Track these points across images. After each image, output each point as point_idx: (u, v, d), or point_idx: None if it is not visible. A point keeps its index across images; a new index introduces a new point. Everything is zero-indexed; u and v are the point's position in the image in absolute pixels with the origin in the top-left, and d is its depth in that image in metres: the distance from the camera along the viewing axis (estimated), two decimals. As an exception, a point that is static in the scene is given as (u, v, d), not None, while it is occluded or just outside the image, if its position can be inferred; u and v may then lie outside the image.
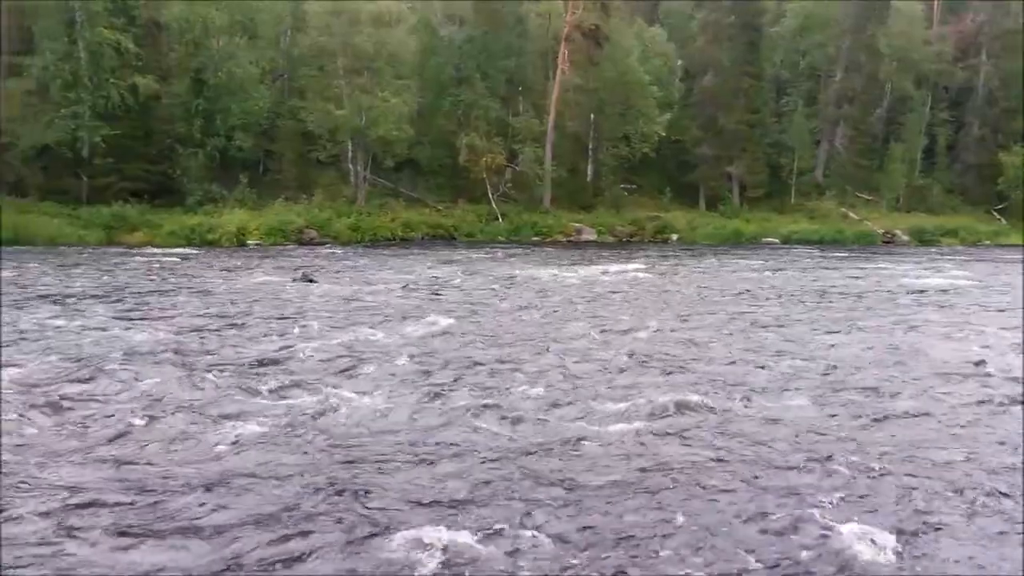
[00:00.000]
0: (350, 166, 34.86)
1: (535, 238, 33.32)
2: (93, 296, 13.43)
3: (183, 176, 31.36)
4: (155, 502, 4.62)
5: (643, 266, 21.42)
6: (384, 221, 32.26)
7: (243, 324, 10.85)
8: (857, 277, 19.26)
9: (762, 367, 8.62)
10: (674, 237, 35.62)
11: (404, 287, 15.74)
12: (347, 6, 32.79)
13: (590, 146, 38.56)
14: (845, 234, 36.62)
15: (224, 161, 32.22)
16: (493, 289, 15.71)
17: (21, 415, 6.22)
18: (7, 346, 8.79)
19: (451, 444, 5.83)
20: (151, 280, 16.32)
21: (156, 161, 31.71)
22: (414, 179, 36.53)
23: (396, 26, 33.91)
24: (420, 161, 36.42)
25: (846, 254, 28.50)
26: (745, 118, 39.69)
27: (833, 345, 10.04)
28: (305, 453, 5.60)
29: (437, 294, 14.78)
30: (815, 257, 26.67)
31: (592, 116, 37.80)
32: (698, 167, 40.36)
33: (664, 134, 38.09)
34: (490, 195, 35.00)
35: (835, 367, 8.62)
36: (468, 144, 34.52)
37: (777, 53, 44.85)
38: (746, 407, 6.97)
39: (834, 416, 6.75)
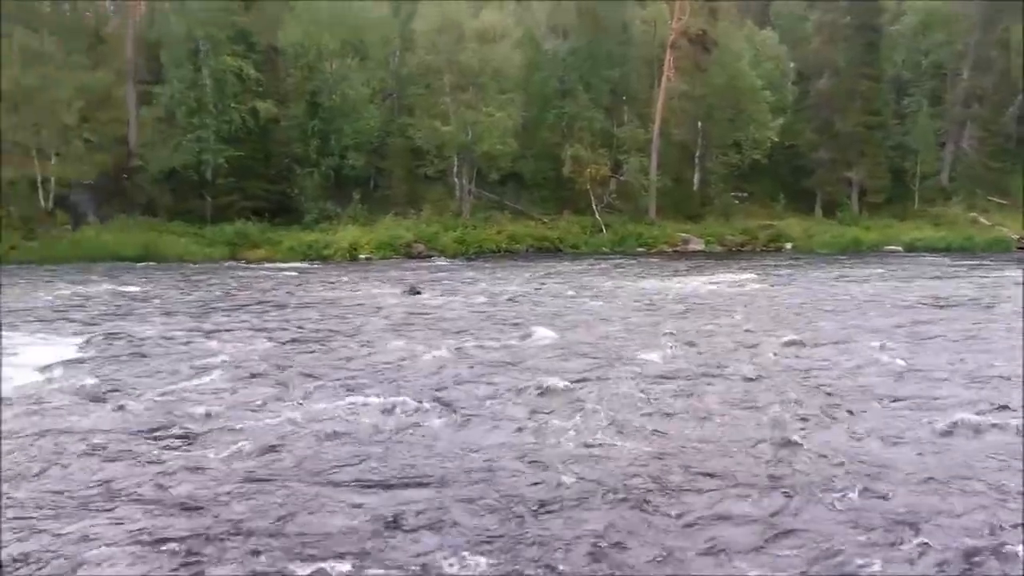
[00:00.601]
0: (456, 180, 35.40)
1: (640, 249, 32.73)
2: (218, 308, 14.07)
3: (300, 195, 32.73)
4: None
5: (757, 276, 20.61)
6: (489, 234, 32.53)
7: (355, 334, 11.05)
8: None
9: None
10: (788, 246, 34.20)
11: (509, 299, 15.72)
12: (453, 24, 33.42)
13: (697, 154, 37.66)
14: (975, 241, 34.05)
15: (338, 179, 33.37)
16: (598, 300, 15.45)
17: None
18: (152, 346, 9.27)
19: (577, 454, 5.65)
20: (271, 293, 16.99)
21: (275, 181, 33.25)
22: (518, 192, 36.70)
23: (500, 41, 34.27)
24: (524, 174, 36.55)
25: (977, 262, 26.52)
26: (863, 120, 37.73)
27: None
28: (436, 458, 5.55)
29: (541, 305, 14.66)
30: (944, 266, 24.92)
31: (699, 123, 36.94)
32: (814, 172, 38.68)
33: (777, 139, 36.76)
34: (594, 206, 34.70)
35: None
36: (572, 155, 34.39)
37: (897, 52, 42.45)
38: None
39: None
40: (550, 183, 36.78)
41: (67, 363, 8.82)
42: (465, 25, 33.55)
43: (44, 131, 29.72)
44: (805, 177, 39.01)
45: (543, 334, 10.96)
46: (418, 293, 16.60)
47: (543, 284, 18.90)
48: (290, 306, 14.58)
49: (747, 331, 11.36)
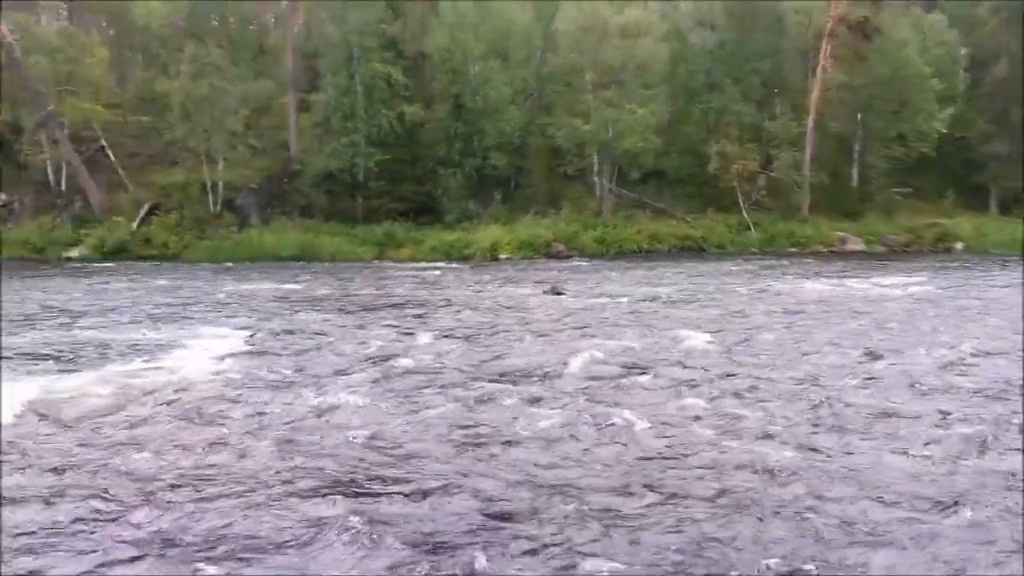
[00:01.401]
0: (596, 179, 35.04)
1: (792, 249, 31.07)
2: (366, 305, 14.52)
3: (443, 195, 33.51)
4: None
5: (925, 278, 18.99)
6: (630, 233, 31.95)
7: (497, 333, 11.03)
8: None
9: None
10: (958, 246, 31.42)
11: (652, 300, 15.26)
12: (596, 21, 33.11)
13: (856, 148, 35.34)
14: None
15: (480, 179, 33.88)
16: (747, 302, 14.69)
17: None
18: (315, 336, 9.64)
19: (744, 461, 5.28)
20: (414, 292, 17.39)
21: (421, 182, 34.26)
22: (661, 190, 35.84)
23: (644, 37, 33.60)
24: (667, 171, 35.67)
25: None
26: (1045, 108, 34.16)
27: None
28: (613, 464, 5.35)
29: (685, 306, 14.12)
30: None
31: (859, 115, 34.63)
32: (987, 166, 35.44)
33: (946, 131, 33.87)
34: (741, 204, 33.34)
35: None
36: (719, 151, 33.19)
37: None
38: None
39: None
40: (694, 180, 35.70)
41: (238, 354, 9.32)
42: (608, 22, 33.16)
43: (213, 138, 31.97)
44: (977, 171, 35.89)
45: (694, 337, 10.49)
46: (560, 294, 16.44)
47: (689, 285, 18.26)
48: (434, 305, 14.82)
49: (947, 342, 10.38)
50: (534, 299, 15.65)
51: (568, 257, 29.36)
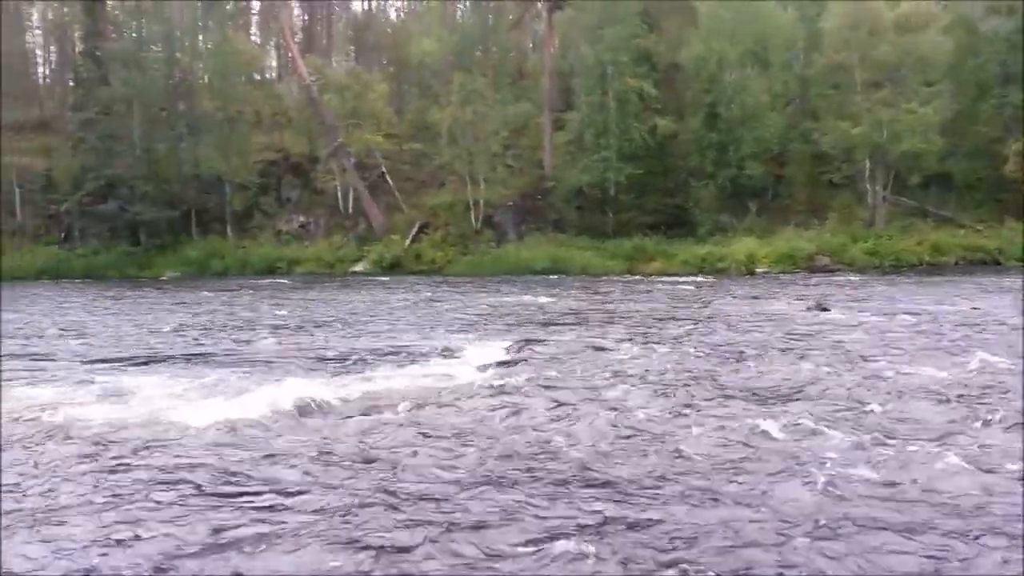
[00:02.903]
0: (867, 186, 32.15)
1: (1120, 263, 26.20)
2: (620, 318, 14.50)
3: (695, 207, 32.75)
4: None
5: None
6: (908, 245, 28.91)
7: (758, 351, 10.41)
8: None
9: None
10: None
11: (935, 319, 13.54)
12: (868, 16, 30.51)
13: None
14: None
15: (734, 190, 32.65)
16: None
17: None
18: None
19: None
20: (667, 305, 17.06)
21: (671, 195, 33.81)
22: (945, 196, 32.03)
23: (924, 29, 30.33)
24: (953, 175, 31.81)
25: None
26: None
27: None
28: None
29: (979, 328, 12.32)
30: None
31: None
32: None
33: None
34: (1048, 211, 28.79)
35: None
36: (1017, 151, 28.96)
37: None
38: None
39: None
40: (985, 185, 31.53)
41: (500, 363, 9.70)
42: (882, 16, 30.39)
43: (476, 160, 34.12)
44: None
45: (997, 364, 9.08)
46: (825, 309, 15.20)
47: (986, 303, 15.99)
48: (688, 319, 14.39)
49: None
50: (796, 315, 14.62)
51: (833, 271, 27.22)
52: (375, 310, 17.08)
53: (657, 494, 4.96)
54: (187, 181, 37.12)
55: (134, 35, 40.77)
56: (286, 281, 29.04)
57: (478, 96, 34.71)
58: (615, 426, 6.64)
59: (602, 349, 10.81)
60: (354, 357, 10.36)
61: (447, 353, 10.58)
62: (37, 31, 54.93)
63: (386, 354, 10.60)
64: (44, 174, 38.12)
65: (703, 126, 33.11)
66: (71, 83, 42.87)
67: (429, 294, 21.26)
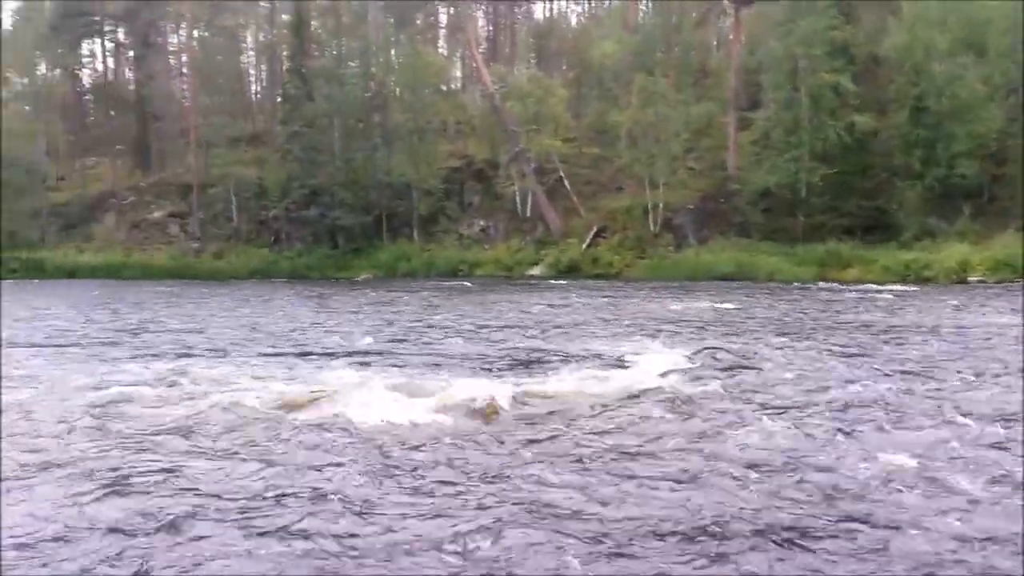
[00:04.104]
0: (1104, 186, 28.20)
1: None
2: (814, 328, 13.60)
3: (898, 210, 30.21)
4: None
5: None
6: None
7: (966, 368, 9.33)
8: None
9: None
10: None
11: None
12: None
13: None
14: None
15: (944, 191, 29.79)
16: None
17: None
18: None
19: None
20: (864, 316, 15.80)
21: (871, 196, 31.45)
22: None
23: None
24: None
25: None
26: None
27: None
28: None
29: None
30: None
31: None
32: None
33: None
34: None
35: None
36: None
37: None
38: None
39: None
40: None
41: (681, 371, 9.35)
42: None
43: (657, 162, 33.51)
44: None
45: None
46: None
47: None
48: (892, 331, 13.21)
49: None
50: (1013, 331, 12.99)
51: (1066, 280, 24.08)
52: (556, 313, 17.15)
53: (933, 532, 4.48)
54: (380, 188, 39.35)
55: (334, 52, 43.78)
56: (467, 283, 29.96)
57: (659, 97, 34.06)
58: (844, 451, 6.13)
59: (795, 363, 10.13)
60: (545, 359, 10.41)
61: (632, 357, 10.36)
62: (251, 52, 60.38)
63: (575, 357, 10.57)
64: (256, 183, 41.80)
65: (908, 121, 30.46)
66: (279, 99, 46.74)
67: (607, 298, 21.08)
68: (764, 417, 7.07)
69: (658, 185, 33.89)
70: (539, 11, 61.88)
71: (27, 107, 51.35)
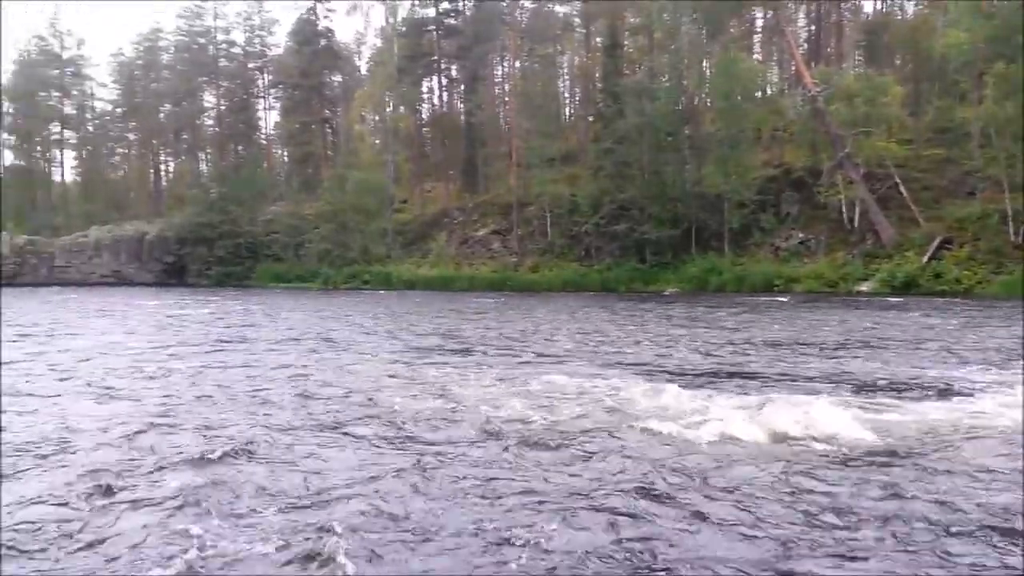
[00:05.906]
0: None
1: None
2: None
3: None
4: None
5: None
6: None
7: None
8: None
9: None
10: None
11: None
12: None
13: None
14: None
15: None
16: None
17: None
18: None
19: None
20: None
21: None
22: None
23: None
24: None
25: None
26: None
27: None
28: None
29: None
30: None
31: None
32: None
33: None
34: None
35: None
36: None
37: None
38: None
39: None
40: None
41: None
42: None
43: (1018, 163, 28.68)
44: None
45: None
46: None
47: None
48: None
49: None
50: None
51: None
52: (889, 333, 15.21)
53: None
54: (689, 200, 38.66)
55: (646, 68, 44.08)
56: (785, 299, 28.05)
57: (1021, 88, 29.07)
58: None
59: None
60: (894, 384, 9.19)
61: (974, 389, 8.73)
62: (566, 76, 63.51)
63: (904, 382, 9.20)
64: (569, 200, 43.47)
65: None
66: (591, 118, 48.32)
67: (957, 320, 18.24)
68: None
69: (1019, 189, 28.90)
70: (868, 6, 56.82)
71: (377, 140, 59.10)
